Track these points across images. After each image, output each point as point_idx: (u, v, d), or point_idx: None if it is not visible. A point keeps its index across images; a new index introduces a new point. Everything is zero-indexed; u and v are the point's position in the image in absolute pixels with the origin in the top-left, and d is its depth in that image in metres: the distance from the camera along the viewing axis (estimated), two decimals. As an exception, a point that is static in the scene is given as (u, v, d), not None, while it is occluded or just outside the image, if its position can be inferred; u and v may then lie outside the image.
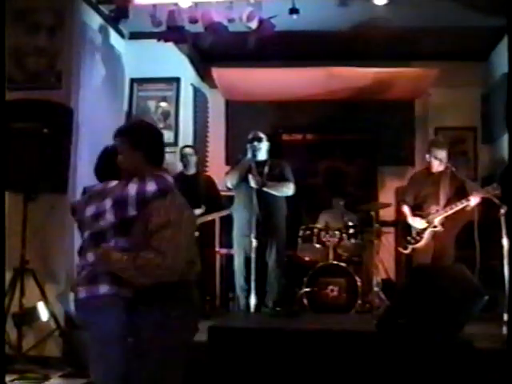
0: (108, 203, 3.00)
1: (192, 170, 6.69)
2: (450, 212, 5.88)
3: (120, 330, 3.00)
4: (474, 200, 5.67)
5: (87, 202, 3.12)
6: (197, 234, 6.10)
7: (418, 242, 6.03)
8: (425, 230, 5.99)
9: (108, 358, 2.98)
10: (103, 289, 2.99)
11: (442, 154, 6.00)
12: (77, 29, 6.12)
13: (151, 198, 2.97)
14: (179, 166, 6.85)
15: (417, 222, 6.03)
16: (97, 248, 2.99)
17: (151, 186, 2.99)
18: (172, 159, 7.21)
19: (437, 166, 6.08)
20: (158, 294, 2.94)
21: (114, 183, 3.11)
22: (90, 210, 3.06)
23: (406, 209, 6.18)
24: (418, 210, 6.09)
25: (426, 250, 6.01)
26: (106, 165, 3.33)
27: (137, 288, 2.96)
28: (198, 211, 6.22)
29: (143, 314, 2.97)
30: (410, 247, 6.08)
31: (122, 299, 3.00)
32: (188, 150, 6.76)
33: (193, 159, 6.70)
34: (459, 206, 5.79)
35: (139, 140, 3.12)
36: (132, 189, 2.99)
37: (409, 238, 6.09)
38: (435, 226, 5.95)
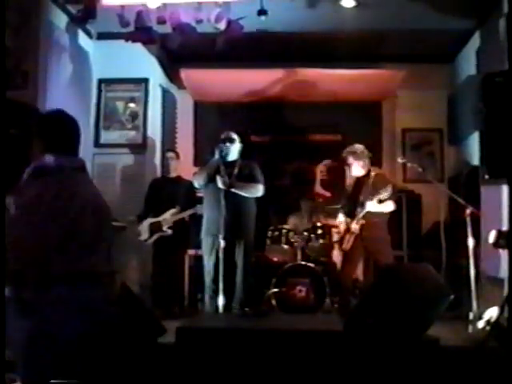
0: None
1: (173, 174, 6.90)
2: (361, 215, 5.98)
3: None
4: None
5: None
6: (170, 232, 6.34)
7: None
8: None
9: None
10: None
11: (351, 159, 6.32)
12: (43, 28, 6.07)
13: (24, 180, 2.92)
14: (148, 169, 6.96)
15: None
16: None
17: (28, 168, 2.94)
18: (141, 160, 7.21)
19: (355, 172, 6.36)
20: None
21: None
22: None
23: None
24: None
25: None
26: None
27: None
28: (172, 211, 6.55)
29: None
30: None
31: None
32: (170, 154, 7.03)
33: (174, 163, 6.93)
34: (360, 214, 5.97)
35: (40, 129, 3.12)
36: None
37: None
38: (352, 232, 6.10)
